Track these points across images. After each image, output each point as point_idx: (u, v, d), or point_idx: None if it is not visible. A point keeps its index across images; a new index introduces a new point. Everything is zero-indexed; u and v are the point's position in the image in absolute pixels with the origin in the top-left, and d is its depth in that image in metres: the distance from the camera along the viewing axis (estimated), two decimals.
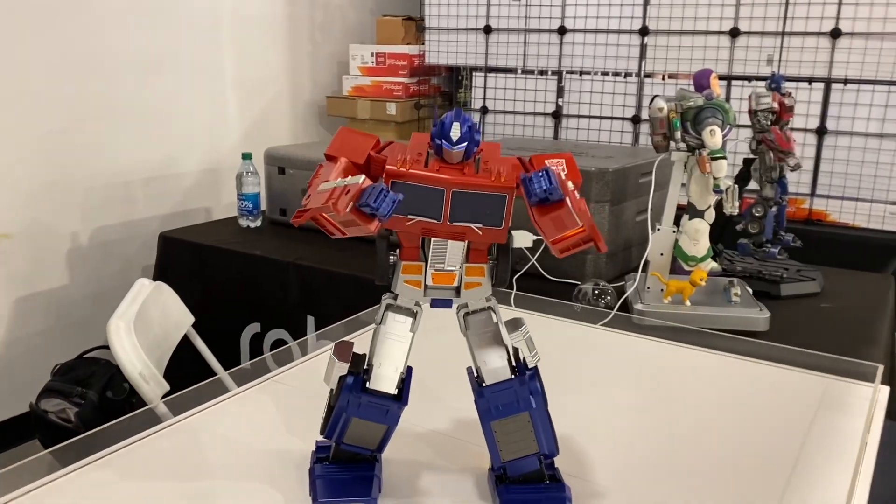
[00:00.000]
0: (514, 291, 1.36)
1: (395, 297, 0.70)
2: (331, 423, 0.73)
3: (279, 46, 2.95)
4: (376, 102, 2.93)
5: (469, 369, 0.73)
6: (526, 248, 1.64)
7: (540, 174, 0.63)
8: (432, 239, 0.69)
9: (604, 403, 0.98)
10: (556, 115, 2.70)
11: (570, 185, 0.67)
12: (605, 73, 2.61)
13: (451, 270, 0.70)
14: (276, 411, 0.93)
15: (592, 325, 1.30)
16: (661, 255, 1.48)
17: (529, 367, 0.71)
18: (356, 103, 2.97)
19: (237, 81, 2.79)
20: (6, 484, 0.76)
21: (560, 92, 2.68)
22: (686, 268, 1.45)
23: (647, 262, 1.49)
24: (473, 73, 2.84)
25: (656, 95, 1.44)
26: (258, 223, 2.18)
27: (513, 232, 1.72)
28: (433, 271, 0.70)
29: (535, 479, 0.74)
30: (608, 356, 1.17)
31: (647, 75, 2.54)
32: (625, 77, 2.58)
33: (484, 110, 2.83)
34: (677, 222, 1.46)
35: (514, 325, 0.71)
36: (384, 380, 0.71)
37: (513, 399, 0.70)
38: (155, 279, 2.13)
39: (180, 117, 2.60)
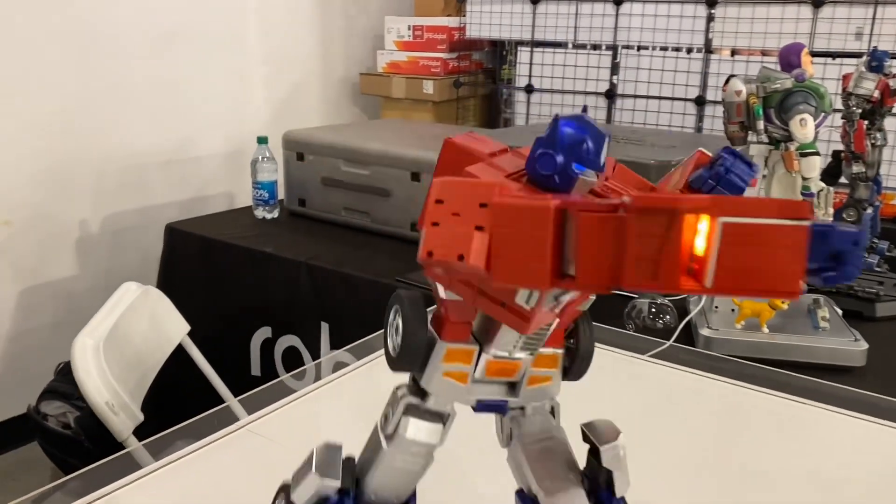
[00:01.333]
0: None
1: (423, 396, 0.46)
2: None
3: (309, 18, 2.74)
4: (412, 80, 2.70)
5: (520, 493, 0.48)
6: None
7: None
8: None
9: (652, 469, 0.75)
10: (610, 95, 2.44)
11: None
12: (664, 48, 2.33)
13: (516, 358, 0.45)
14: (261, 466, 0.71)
15: (640, 357, 1.05)
16: None
17: (619, 494, 0.46)
18: (391, 81, 2.74)
19: (263, 57, 2.59)
20: None
21: (614, 69, 2.41)
22: None
23: None
24: (518, 48, 2.58)
25: (733, 75, 1.19)
26: (275, 214, 1.98)
27: None
28: (490, 358, 0.45)
29: None
30: (658, 401, 0.93)
31: (712, 51, 2.26)
32: (688, 53, 2.30)
33: (529, 89, 2.57)
34: None
35: (605, 430, 0.46)
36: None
37: None
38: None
39: (199, 96, 2.41)
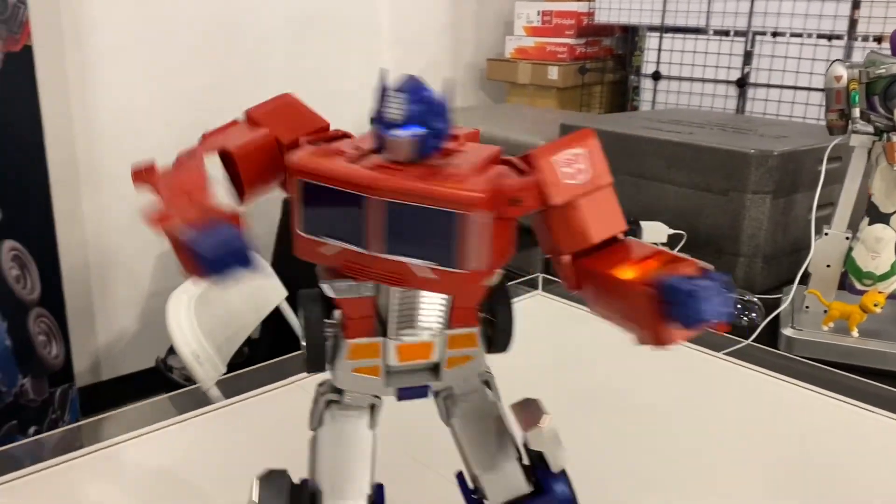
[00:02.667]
0: None
1: (340, 393, 0.45)
2: None
3: (442, 3, 2.79)
4: (538, 66, 2.69)
5: (459, 476, 0.49)
6: (661, 244, 1.38)
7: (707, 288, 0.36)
8: (392, 289, 0.42)
9: (714, 480, 0.72)
10: (742, 84, 2.32)
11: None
12: (797, 35, 2.18)
13: (424, 339, 0.44)
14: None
15: (715, 354, 1.00)
16: (828, 266, 1.15)
17: (554, 471, 0.46)
18: (517, 66, 2.75)
19: (393, 39, 2.67)
20: None
21: (747, 57, 2.29)
22: (859, 287, 1.11)
23: (808, 274, 1.17)
24: (647, 34, 2.51)
25: (836, 60, 1.11)
26: None
27: (643, 223, 1.43)
28: (398, 343, 0.44)
29: None
30: (730, 406, 0.86)
31: (856, 38, 2.09)
32: (830, 41, 2.14)
33: (656, 76, 2.49)
34: (854, 226, 1.13)
35: (531, 412, 0.46)
36: None
37: None
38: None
39: (332, 80, 2.52)
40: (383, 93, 0.38)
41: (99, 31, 2.03)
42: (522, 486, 0.46)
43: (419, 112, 0.37)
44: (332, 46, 2.50)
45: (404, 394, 0.45)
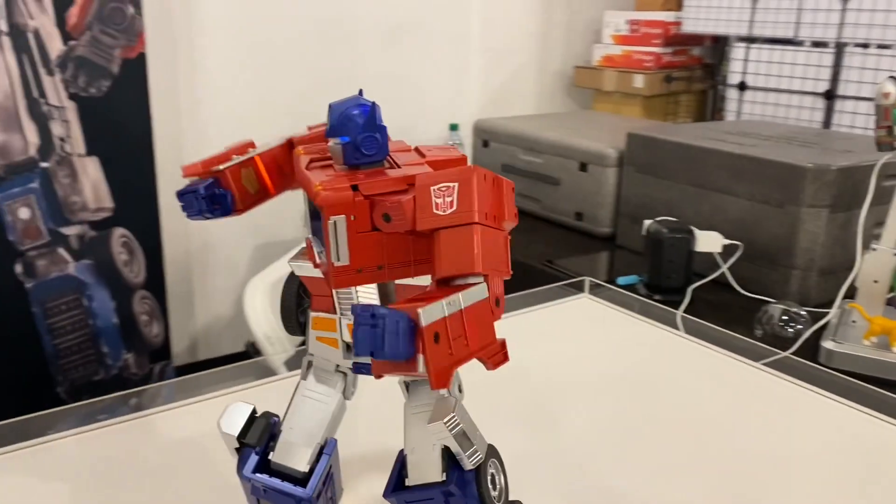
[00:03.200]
0: (681, 312, 1.13)
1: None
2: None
3: (533, 11, 2.85)
4: (623, 73, 2.71)
5: (400, 453, 0.53)
6: (716, 254, 1.41)
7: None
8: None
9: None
10: (829, 96, 2.27)
11: (462, 302, 0.42)
12: (885, 46, 2.12)
13: None
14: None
15: (752, 364, 1.00)
16: (875, 282, 1.16)
17: (466, 469, 0.50)
18: (603, 74, 2.78)
19: (483, 48, 2.76)
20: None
21: (836, 69, 2.25)
22: None
23: (854, 290, 1.18)
24: (735, 44, 2.49)
25: (890, 76, 1.12)
26: None
27: (698, 233, 1.47)
28: (348, 322, 0.50)
29: None
30: (761, 416, 0.87)
31: None
32: None
33: (742, 86, 2.47)
34: None
35: (441, 409, 0.49)
36: (292, 454, 0.53)
37: None
38: None
39: (420, 87, 2.63)
40: (329, 110, 0.46)
41: (206, 40, 2.21)
42: (434, 475, 0.49)
43: (342, 126, 0.46)
44: (422, 53, 2.61)
45: (358, 368, 0.52)
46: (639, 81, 2.66)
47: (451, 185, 0.42)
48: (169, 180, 2.11)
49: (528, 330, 1.11)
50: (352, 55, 2.46)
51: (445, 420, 0.47)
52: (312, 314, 0.52)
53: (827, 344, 1.14)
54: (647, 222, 1.45)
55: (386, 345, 0.38)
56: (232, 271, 2.43)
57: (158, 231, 2.01)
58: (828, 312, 1.24)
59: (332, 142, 0.46)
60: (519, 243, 1.75)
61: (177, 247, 2.23)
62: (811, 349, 1.17)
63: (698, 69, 2.79)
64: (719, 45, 2.72)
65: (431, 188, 0.43)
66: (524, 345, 1.05)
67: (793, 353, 1.04)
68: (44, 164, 1.79)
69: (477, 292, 0.43)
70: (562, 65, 2.98)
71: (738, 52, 2.47)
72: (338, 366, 0.53)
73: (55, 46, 1.76)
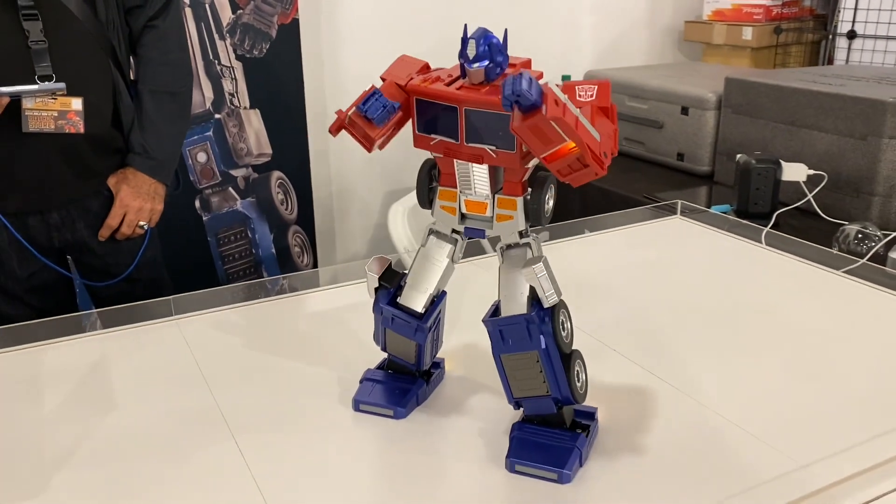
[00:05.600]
0: (767, 228, 1.32)
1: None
2: (375, 330, 0.78)
3: None
4: (732, 27, 2.81)
5: (496, 301, 0.70)
6: (802, 183, 1.57)
7: (516, 78, 0.57)
8: (456, 162, 0.67)
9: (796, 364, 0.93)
10: None
11: (573, 108, 0.60)
12: None
13: (481, 199, 0.67)
14: None
15: (834, 271, 1.18)
16: None
17: (545, 306, 0.66)
18: (713, 28, 2.88)
19: (595, 8, 2.92)
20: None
21: None
22: None
23: None
24: None
25: None
26: None
27: (784, 164, 1.65)
28: (465, 198, 0.68)
29: (554, 423, 0.70)
30: (837, 308, 1.06)
31: None
32: None
33: (851, 34, 2.54)
34: None
35: (531, 262, 0.65)
36: (412, 298, 0.72)
37: (521, 335, 0.66)
38: None
39: (535, 40, 2.81)
40: (463, 39, 0.63)
41: (347, 8, 2.50)
42: (522, 308, 0.67)
43: (484, 52, 0.63)
44: (537, 11, 2.80)
45: (469, 232, 0.70)
46: (748, 34, 2.76)
47: (592, 86, 0.63)
48: (317, 132, 2.42)
49: (624, 243, 1.33)
50: (474, 11, 2.68)
51: (535, 266, 0.65)
52: (440, 188, 0.70)
53: (893, 254, 1.30)
54: (739, 156, 1.62)
55: (532, 87, 0.56)
56: (367, 213, 2.74)
57: (309, 174, 2.33)
58: None
59: (476, 66, 0.63)
60: (623, 181, 1.94)
61: (322, 190, 2.55)
62: (881, 263, 1.32)
63: (809, 20, 2.85)
64: None
65: (551, 88, 0.60)
66: (621, 255, 1.28)
67: (862, 265, 1.20)
68: (217, 116, 2.14)
69: (592, 127, 0.60)
70: (672, 20, 3.10)
71: (849, 1, 2.53)
72: (453, 230, 0.70)
73: (226, 15, 2.09)
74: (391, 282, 0.74)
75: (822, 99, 1.60)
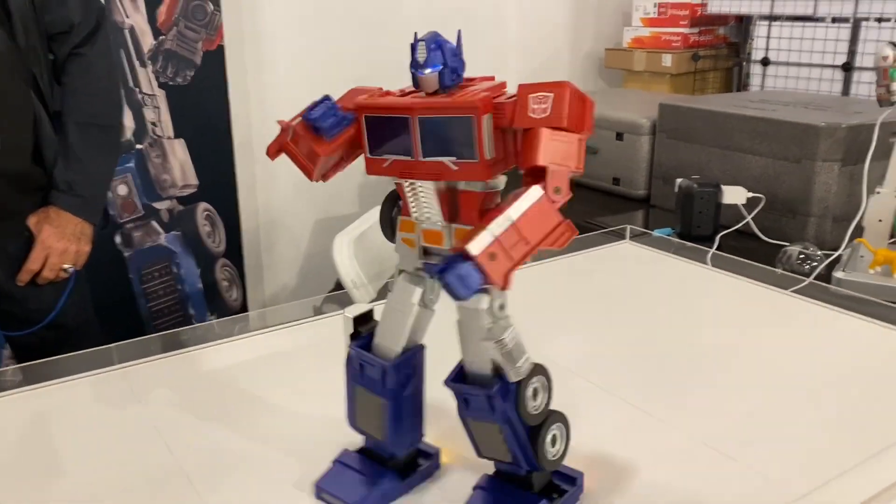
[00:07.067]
0: (712, 250, 1.34)
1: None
2: (346, 392, 0.67)
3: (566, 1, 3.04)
4: (652, 54, 2.89)
5: (461, 361, 0.62)
6: (741, 205, 1.60)
7: (448, 267, 0.48)
8: (405, 182, 0.58)
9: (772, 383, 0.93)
10: (847, 68, 2.44)
11: (517, 213, 0.51)
12: None
13: (436, 228, 0.58)
14: None
15: (782, 291, 1.20)
16: (879, 221, 1.35)
17: (511, 381, 0.58)
18: (632, 55, 2.96)
19: (519, 34, 2.95)
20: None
21: (853, 42, 2.41)
22: None
23: (861, 229, 1.37)
24: (758, 22, 2.66)
25: (890, 42, 1.30)
26: None
27: (724, 187, 1.67)
28: (423, 227, 0.58)
29: (524, 486, 0.64)
30: (790, 327, 1.08)
31: None
32: None
33: (765, 61, 2.64)
34: None
35: (495, 334, 0.57)
36: (382, 349, 0.62)
37: (483, 407, 0.59)
38: None
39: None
40: (413, 45, 0.55)
41: (271, 35, 2.43)
42: (486, 374, 0.59)
43: (436, 55, 0.54)
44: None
45: (429, 268, 0.60)
46: (667, 61, 2.84)
47: (547, 95, 0.53)
48: (243, 161, 2.33)
49: (576, 270, 1.32)
50: (398, 45, 2.66)
51: (502, 338, 0.56)
52: (402, 218, 0.60)
53: (838, 273, 1.33)
54: (679, 180, 1.64)
55: (463, 289, 0.48)
56: (295, 244, 2.65)
57: (237, 205, 2.24)
58: (841, 254, 1.43)
59: (427, 72, 0.54)
60: (561, 207, 1.94)
61: (250, 221, 2.46)
62: (825, 281, 1.35)
63: (724, 47, 2.96)
64: (743, 23, 2.89)
65: (529, 95, 0.53)
66: (574, 281, 1.27)
67: (808, 284, 1.23)
68: (139, 146, 2.03)
69: (531, 195, 0.52)
70: (593, 48, 3.16)
71: (761, 29, 2.64)
72: (417, 269, 0.60)
73: (147, 41, 1.99)
74: (366, 328, 0.65)
75: (755, 123, 1.64)
